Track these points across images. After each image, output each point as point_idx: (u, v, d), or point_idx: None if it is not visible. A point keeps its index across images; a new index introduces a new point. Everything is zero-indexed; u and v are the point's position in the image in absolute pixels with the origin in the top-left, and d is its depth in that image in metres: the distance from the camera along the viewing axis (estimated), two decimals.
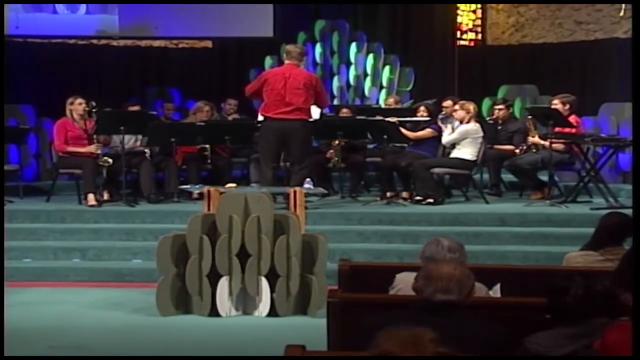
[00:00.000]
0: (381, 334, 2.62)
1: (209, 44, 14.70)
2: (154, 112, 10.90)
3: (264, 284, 6.82)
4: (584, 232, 5.47)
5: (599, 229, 5.31)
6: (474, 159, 9.61)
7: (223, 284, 6.80)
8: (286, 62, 9.21)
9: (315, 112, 10.42)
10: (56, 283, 8.01)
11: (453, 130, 9.70)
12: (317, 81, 9.39)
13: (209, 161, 10.16)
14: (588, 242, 5.34)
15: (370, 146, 10.64)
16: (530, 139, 9.94)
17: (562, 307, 3.51)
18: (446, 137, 9.70)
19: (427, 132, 9.97)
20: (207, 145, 10.24)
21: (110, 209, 9.27)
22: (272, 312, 6.81)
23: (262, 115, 9.19)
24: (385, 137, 9.71)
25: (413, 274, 3.81)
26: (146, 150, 9.94)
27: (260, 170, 9.36)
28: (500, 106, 10.60)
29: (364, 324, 3.52)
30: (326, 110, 11.74)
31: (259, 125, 9.34)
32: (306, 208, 7.92)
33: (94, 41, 13.90)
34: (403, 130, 9.84)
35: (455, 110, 9.88)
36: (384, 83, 13.74)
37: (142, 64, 14.23)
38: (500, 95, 12.91)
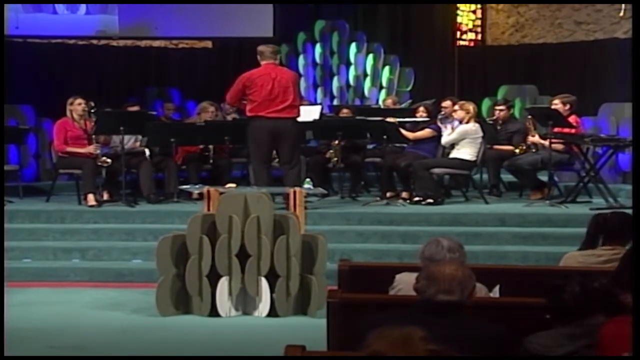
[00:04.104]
0: (372, 334, 2.61)
1: (208, 44, 14.71)
2: (154, 112, 10.90)
3: (264, 284, 6.82)
4: (584, 233, 5.47)
5: (588, 229, 5.33)
6: (474, 159, 9.61)
7: (223, 284, 6.80)
8: (263, 62, 9.09)
9: (315, 112, 10.43)
10: (56, 283, 8.01)
11: (453, 130, 9.71)
12: (298, 78, 9.61)
13: (210, 161, 10.15)
14: (583, 242, 5.35)
15: (370, 146, 10.64)
16: (530, 139, 9.95)
17: (559, 305, 3.51)
18: (445, 138, 9.71)
19: (427, 132, 9.97)
20: (211, 146, 10.24)
21: (110, 209, 9.27)
22: (272, 312, 6.81)
23: (252, 115, 9.10)
24: (384, 137, 9.71)
25: (413, 274, 3.81)
26: (146, 150, 9.94)
27: (254, 172, 9.30)
28: (501, 107, 10.59)
29: (364, 324, 3.51)
30: (326, 110, 11.76)
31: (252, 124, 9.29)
32: (306, 208, 7.92)
33: (94, 41, 13.91)
34: (402, 131, 9.84)
35: (454, 111, 9.89)
36: (384, 83, 13.74)
37: (142, 64, 14.23)
38: (500, 95, 12.92)
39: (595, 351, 3.37)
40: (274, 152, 9.24)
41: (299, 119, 9.26)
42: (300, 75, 12.06)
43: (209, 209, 7.31)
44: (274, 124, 8.95)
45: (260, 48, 9.20)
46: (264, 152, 9.08)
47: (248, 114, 9.11)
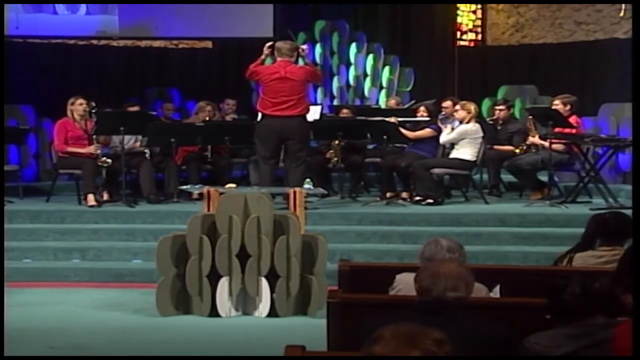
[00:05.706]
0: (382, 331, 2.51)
1: (208, 44, 14.70)
2: (154, 113, 10.91)
3: (264, 284, 6.82)
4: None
5: (587, 229, 5.30)
6: (474, 159, 9.61)
7: (223, 285, 6.80)
8: (278, 59, 9.20)
9: (315, 112, 10.44)
10: (56, 283, 8.01)
11: (453, 130, 9.71)
12: (308, 70, 9.42)
13: (209, 159, 10.15)
14: (579, 243, 5.32)
15: (370, 146, 10.64)
16: (530, 139, 9.94)
17: (560, 306, 3.51)
18: (444, 137, 9.70)
19: (427, 131, 9.97)
20: (209, 146, 10.25)
21: (110, 210, 9.27)
22: (272, 313, 6.82)
23: (260, 112, 9.19)
24: (385, 137, 9.71)
25: (413, 275, 3.81)
26: (146, 150, 9.95)
27: (258, 169, 9.34)
28: (501, 107, 10.59)
29: (364, 324, 3.51)
30: (326, 111, 11.75)
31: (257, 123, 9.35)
32: (306, 208, 7.92)
33: (94, 41, 13.90)
34: (403, 130, 9.84)
35: (455, 111, 9.89)
36: (384, 83, 13.74)
37: (142, 64, 14.23)
38: (500, 95, 12.91)
39: (598, 351, 3.36)
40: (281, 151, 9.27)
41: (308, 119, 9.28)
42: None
43: (209, 209, 7.31)
44: (278, 123, 8.96)
45: (278, 44, 9.23)
46: (269, 151, 9.11)
47: (258, 109, 9.20)
